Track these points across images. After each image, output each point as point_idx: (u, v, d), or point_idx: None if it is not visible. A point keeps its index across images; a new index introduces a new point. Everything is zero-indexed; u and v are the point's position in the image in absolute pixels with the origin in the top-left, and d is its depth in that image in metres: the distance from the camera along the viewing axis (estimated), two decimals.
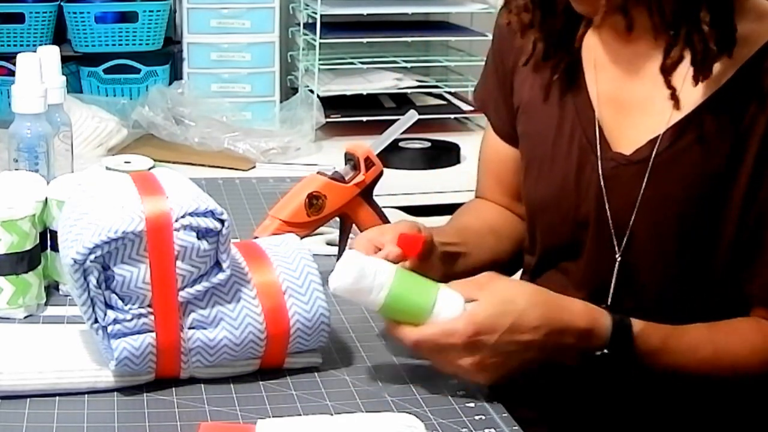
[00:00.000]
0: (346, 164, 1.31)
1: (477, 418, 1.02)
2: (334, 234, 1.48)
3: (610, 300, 1.17)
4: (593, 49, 1.21)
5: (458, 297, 1.04)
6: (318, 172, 1.30)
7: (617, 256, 1.17)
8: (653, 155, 1.13)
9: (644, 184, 1.13)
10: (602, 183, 1.17)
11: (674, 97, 1.11)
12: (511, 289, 1.06)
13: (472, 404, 1.04)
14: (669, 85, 1.10)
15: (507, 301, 1.04)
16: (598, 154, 1.17)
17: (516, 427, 1.01)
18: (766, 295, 1.13)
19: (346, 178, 1.30)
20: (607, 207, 1.17)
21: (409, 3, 2.40)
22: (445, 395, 1.06)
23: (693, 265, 1.14)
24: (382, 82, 2.35)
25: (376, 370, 1.10)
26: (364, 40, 2.35)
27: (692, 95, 1.11)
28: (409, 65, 2.39)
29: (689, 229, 1.13)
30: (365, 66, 2.36)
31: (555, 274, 1.24)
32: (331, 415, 0.99)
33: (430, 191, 2.09)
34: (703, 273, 1.14)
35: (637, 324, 1.08)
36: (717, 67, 1.09)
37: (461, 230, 1.30)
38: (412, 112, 1.38)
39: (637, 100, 1.16)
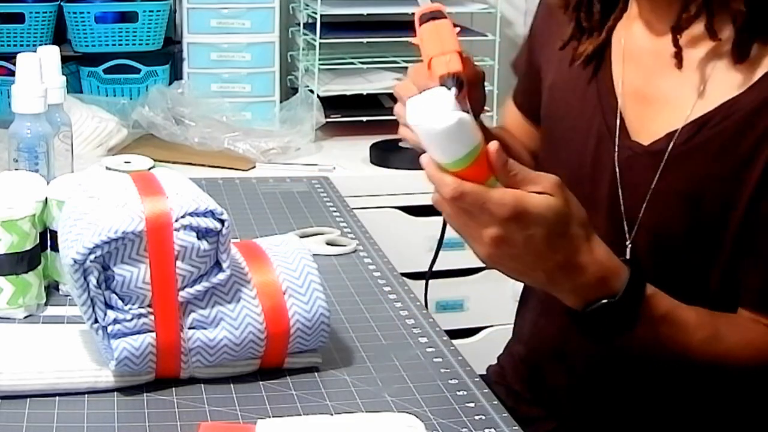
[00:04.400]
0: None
1: (477, 418, 1.02)
2: (334, 234, 1.49)
3: None
4: (623, 40, 1.22)
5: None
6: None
7: (628, 243, 1.17)
8: (669, 148, 1.13)
9: (657, 177, 1.14)
10: (617, 170, 1.17)
11: (678, 56, 1.13)
12: (572, 205, 0.99)
13: (472, 404, 1.04)
14: (676, 43, 1.12)
15: (564, 213, 0.97)
16: (616, 141, 1.18)
17: (516, 427, 1.01)
18: (758, 299, 1.12)
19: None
20: (620, 194, 1.17)
21: (409, 3, 2.39)
22: (445, 395, 1.06)
23: (697, 260, 1.14)
24: (382, 82, 2.35)
25: (376, 370, 1.10)
26: (364, 40, 2.35)
27: (716, 93, 1.11)
28: (409, 65, 2.38)
29: (695, 226, 1.13)
30: (365, 66, 2.36)
31: None
32: (331, 415, 0.99)
33: (430, 191, 2.08)
34: (707, 269, 1.14)
35: (649, 287, 1.05)
36: (742, 69, 1.10)
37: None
38: None
39: (661, 93, 1.17)
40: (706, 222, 1.12)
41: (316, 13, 2.25)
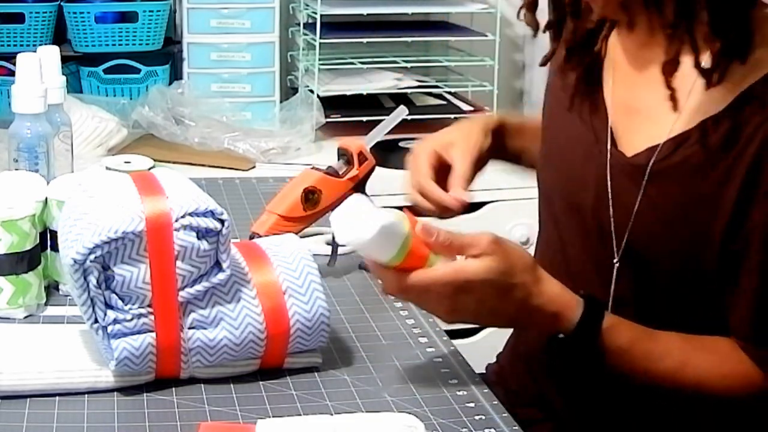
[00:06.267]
0: (339, 159, 1.34)
1: (477, 418, 1.02)
2: None
3: (610, 303, 1.17)
4: (614, 51, 1.22)
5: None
6: (312, 168, 1.32)
7: (615, 261, 1.17)
8: (650, 164, 1.13)
9: (641, 193, 1.13)
10: (608, 181, 1.17)
11: (673, 98, 1.10)
12: (512, 257, 1.05)
13: (472, 404, 1.04)
14: (668, 85, 1.10)
15: (503, 269, 1.03)
16: (604, 150, 1.18)
17: (516, 427, 1.01)
18: (742, 328, 1.11)
19: (340, 173, 1.32)
20: (610, 208, 1.17)
21: (409, 3, 2.39)
22: (445, 395, 1.06)
23: (684, 282, 1.13)
24: (382, 82, 2.35)
25: (376, 370, 1.10)
26: (364, 40, 2.35)
27: (695, 110, 1.10)
28: (409, 65, 2.38)
29: (680, 245, 1.12)
30: (365, 66, 2.36)
31: (559, 259, 1.25)
32: (331, 415, 0.99)
33: None
34: (695, 291, 1.13)
35: (609, 319, 1.09)
36: (721, 88, 1.08)
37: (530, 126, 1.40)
38: (401, 107, 1.43)
39: (645, 105, 1.16)
40: (689, 242, 1.11)
41: (316, 13, 2.24)
